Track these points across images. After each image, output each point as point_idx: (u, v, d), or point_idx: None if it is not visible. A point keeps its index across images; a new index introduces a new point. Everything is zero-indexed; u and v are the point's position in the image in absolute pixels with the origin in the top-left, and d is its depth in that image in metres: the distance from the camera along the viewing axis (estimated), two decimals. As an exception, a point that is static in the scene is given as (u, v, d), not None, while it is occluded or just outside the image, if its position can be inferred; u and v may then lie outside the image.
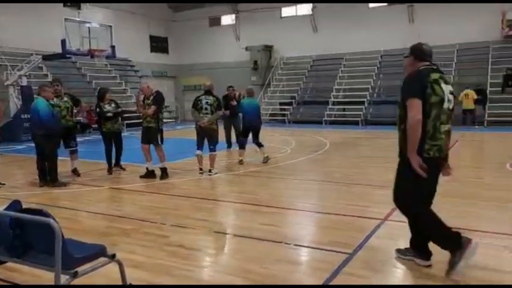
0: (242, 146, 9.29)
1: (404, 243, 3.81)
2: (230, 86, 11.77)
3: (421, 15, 20.57)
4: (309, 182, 7.61)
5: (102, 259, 2.80)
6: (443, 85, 3.34)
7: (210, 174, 7.87)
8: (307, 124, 19.96)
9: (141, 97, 7.73)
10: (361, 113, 19.91)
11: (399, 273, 3.60)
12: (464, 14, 19.22)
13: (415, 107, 3.24)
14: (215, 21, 26.37)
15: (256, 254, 3.95)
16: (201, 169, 8.00)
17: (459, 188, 6.27)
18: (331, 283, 3.34)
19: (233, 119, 11.30)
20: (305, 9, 23.71)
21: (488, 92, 17.78)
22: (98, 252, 2.80)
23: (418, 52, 3.50)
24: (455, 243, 3.30)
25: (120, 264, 2.91)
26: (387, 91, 20.04)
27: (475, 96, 17.08)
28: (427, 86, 3.28)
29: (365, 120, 19.71)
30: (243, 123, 9.65)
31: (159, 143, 7.65)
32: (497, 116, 17.19)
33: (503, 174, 7.56)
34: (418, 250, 3.61)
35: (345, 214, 5.25)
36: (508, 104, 17.07)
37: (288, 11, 24.39)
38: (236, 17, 25.53)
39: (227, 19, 26.17)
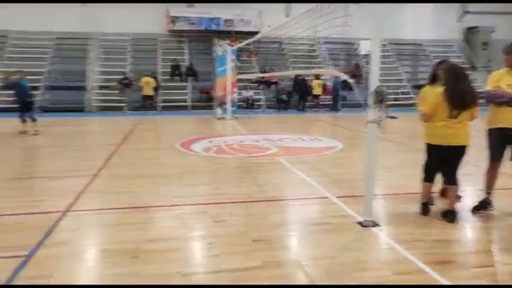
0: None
1: (90, 231, 4.18)
2: None
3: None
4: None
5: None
6: None
7: None
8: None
9: None
10: (38, 98, 16.41)
11: (85, 264, 3.53)
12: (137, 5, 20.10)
13: None
14: None
15: None
16: None
17: (138, 169, 6.85)
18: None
19: None
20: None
21: (159, 79, 19.17)
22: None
23: None
24: None
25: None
26: (64, 76, 19.20)
27: (154, 84, 18.26)
28: None
29: (41, 107, 16.58)
30: None
31: None
32: (168, 101, 18.93)
33: (174, 154, 8.33)
34: None
35: (18, 213, 4.63)
36: (176, 91, 19.39)
37: None
38: None
39: None
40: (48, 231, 4.01)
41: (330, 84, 19.68)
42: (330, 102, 19.42)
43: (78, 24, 19.65)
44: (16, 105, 11.36)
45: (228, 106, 15.17)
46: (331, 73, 16.98)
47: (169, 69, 20.15)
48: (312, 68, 20.16)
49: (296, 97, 19.59)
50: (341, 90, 19.51)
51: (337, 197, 5.17)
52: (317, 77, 19.33)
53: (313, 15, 7.58)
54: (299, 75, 19.17)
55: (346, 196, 5.23)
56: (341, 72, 7.73)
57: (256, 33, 16.94)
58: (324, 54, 21.78)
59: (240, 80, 16.88)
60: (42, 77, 18.51)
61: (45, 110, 16.83)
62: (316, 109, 19.21)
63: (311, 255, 3.57)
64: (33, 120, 11.12)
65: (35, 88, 16.70)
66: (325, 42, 21.63)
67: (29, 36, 19.74)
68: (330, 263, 3.41)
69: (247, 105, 19.11)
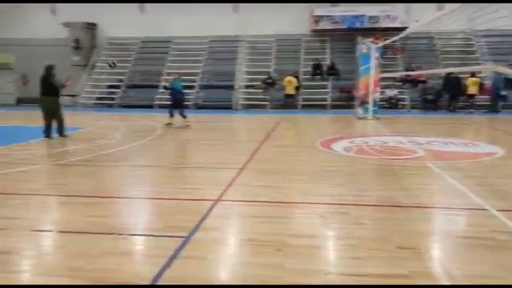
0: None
1: (238, 220, 4.47)
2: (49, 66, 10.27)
3: (245, 5, 21.36)
4: (139, 168, 7.32)
5: None
6: None
7: None
8: (137, 108, 19.10)
9: None
10: (192, 97, 19.26)
11: (233, 250, 3.73)
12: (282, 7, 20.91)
13: None
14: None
15: (83, 250, 3.63)
16: None
17: (280, 166, 7.04)
18: (169, 268, 3.24)
19: None
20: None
21: (301, 79, 19.57)
22: None
23: None
24: None
25: None
26: (215, 76, 20.84)
27: (296, 83, 18.62)
28: None
29: (195, 104, 19.39)
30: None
31: None
32: (308, 100, 19.08)
33: (314, 152, 8.33)
34: None
35: (177, 198, 5.22)
36: (316, 90, 19.35)
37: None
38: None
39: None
40: (203, 217, 4.39)
41: (488, 82, 17.52)
42: (488, 103, 17.28)
43: (229, 28, 21.29)
44: (169, 102, 12.81)
45: (370, 105, 14.68)
46: (495, 70, 15.03)
47: (310, 69, 20.37)
48: (467, 64, 18.22)
49: (446, 97, 17.95)
50: (503, 89, 17.19)
51: (498, 210, 4.55)
52: (473, 74, 17.39)
53: (470, 7, 6.89)
54: (451, 73, 17.51)
55: (511, 210, 4.58)
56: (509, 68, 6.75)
57: (403, 29, 16.01)
58: (483, 48, 19.46)
59: (383, 79, 16.17)
60: (197, 77, 20.54)
61: (199, 107, 18.66)
62: (471, 110, 17.30)
63: (467, 271, 3.21)
64: (184, 116, 12.34)
65: (191, 87, 18.75)
66: (484, 36, 19.32)
67: (187, 41, 22.12)
68: (491, 283, 3.02)
69: (390, 104, 18.24)
